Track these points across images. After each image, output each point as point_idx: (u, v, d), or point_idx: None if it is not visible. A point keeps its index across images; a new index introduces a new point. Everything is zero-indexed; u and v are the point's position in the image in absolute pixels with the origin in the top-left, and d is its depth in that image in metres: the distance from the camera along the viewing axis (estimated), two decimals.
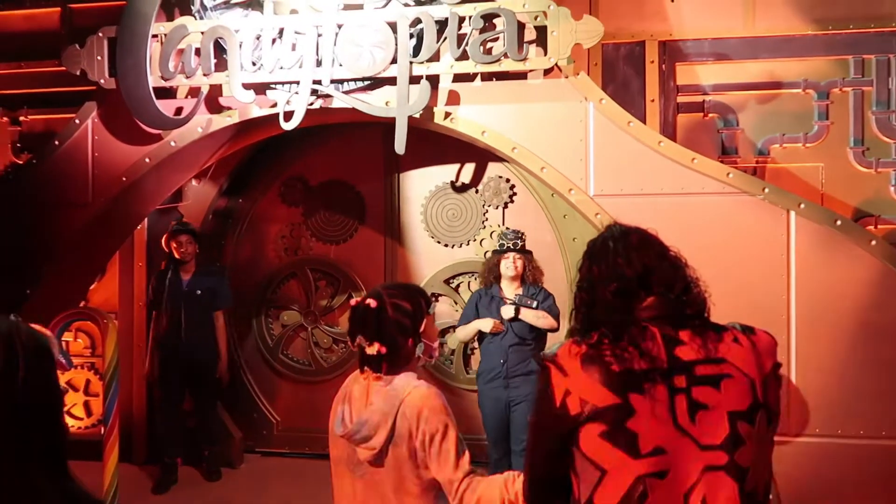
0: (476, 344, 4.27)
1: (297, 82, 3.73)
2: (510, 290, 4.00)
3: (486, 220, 4.96)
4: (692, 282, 1.43)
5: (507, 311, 3.89)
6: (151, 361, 4.67)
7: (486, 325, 3.92)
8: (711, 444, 1.26)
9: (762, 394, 1.31)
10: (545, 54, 3.56)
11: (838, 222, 3.35)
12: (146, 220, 4.77)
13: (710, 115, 4.25)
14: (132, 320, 4.90)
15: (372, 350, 1.83)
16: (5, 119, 4.92)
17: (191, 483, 4.65)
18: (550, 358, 1.39)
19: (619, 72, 4.32)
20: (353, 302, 1.92)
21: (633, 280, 1.39)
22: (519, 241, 4.02)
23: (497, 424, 3.94)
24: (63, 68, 4.11)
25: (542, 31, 3.56)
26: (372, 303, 1.85)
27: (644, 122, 3.88)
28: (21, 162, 4.71)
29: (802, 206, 3.38)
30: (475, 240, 4.98)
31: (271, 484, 4.69)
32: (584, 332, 1.41)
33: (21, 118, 4.91)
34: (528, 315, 3.88)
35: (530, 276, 4.03)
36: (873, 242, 3.32)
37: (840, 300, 3.32)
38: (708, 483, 1.26)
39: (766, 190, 3.40)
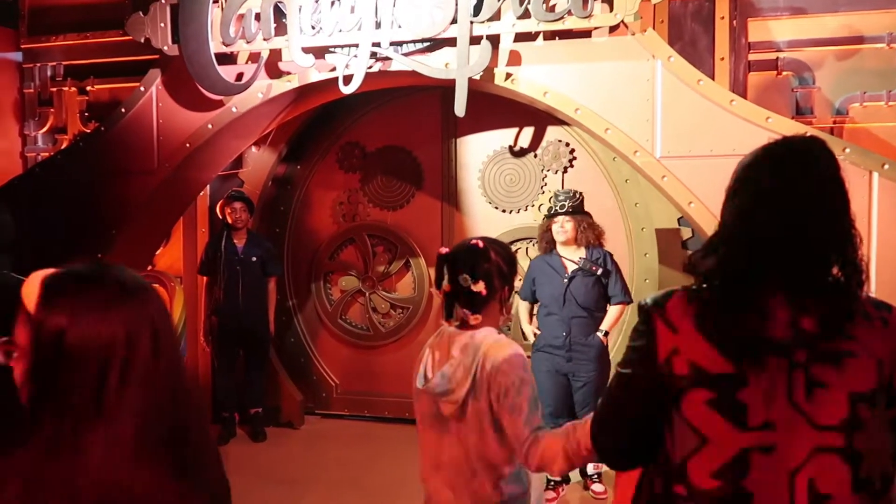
0: (519, 312, 4.20)
1: (356, 45, 3.70)
2: (570, 253, 3.91)
3: (545, 185, 4.87)
4: (851, 246, 1.22)
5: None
6: (209, 324, 4.81)
7: (528, 331, 4.08)
8: (828, 424, 1.16)
9: (889, 376, 1.18)
10: (611, 11, 3.43)
11: None
12: (208, 186, 4.87)
13: (784, 72, 4.04)
14: (195, 284, 5.03)
15: (478, 287, 1.83)
16: (73, 89, 5.05)
17: (251, 441, 4.80)
18: (657, 309, 1.26)
19: (687, 29, 4.13)
20: (441, 250, 1.91)
21: (781, 238, 1.21)
22: (567, 203, 3.89)
23: (558, 395, 3.87)
24: (127, 38, 4.17)
25: None
26: (480, 243, 1.88)
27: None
28: (88, 130, 4.85)
29: (886, 166, 3.19)
30: (533, 205, 4.90)
31: (330, 444, 4.80)
32: (702, 285, 1.27)
33: (88, 88, 5.04)
34: (608, 321, 3.88)
35: (584, 238, 3.90)
36: None
37: None
38: (818, 465, 1.17)
39: (847, 150, 3.22)
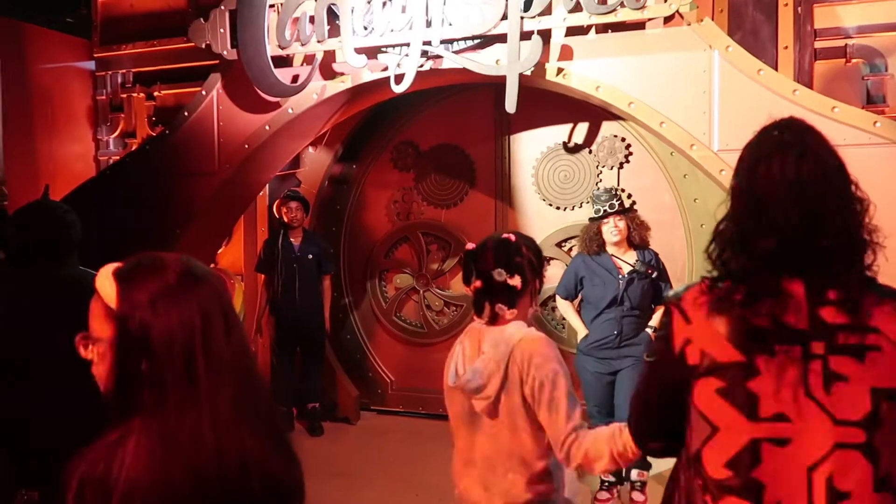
0: (564, 312, 4.12)
1: (408, 44, 3.73)
2: (623, 254, 3.82)
3: (601, 181, 4.79)
4: (866, 232, 1.22)
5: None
6: (267, 321, 4.94)
7: (581, 332, 3.89)
8: (848, 419, 1.12)
9: None
10: (665, 1, 3.34)
11: None
12: (267, 186, 5.00)
13: (854, 60, 3.84)
14: (255, 282, 5.18)
15: (514, 281, 1.83)
16: (142, 95, 5.28)
17: (308, 436, 4.90)
18: (675, 301, 1.28)
19: (748, 18, 3.98)
20: (468, 246, 1.91)
21: (794, 227, 1.19)
22: (616, 202, 3.79)
23: (605, 396, 3.81)
24: (190, 44, 4.33)
25: None
26: (512, 237, 1.88)
27: (776, 71, 3.57)
28: (155, 134, 5.06)
29: None
30: (588, 202, 4.82)
31: (385, 440, 4.86)
32: (719, 276, 1.27)
33: (155, 94, 5.26)
34: (658, 318, 3.76)
35: (637, 237, 3.81)
36: None
37: None
38: (838, 461, 1.13)
39: (878, 124, 3.04)
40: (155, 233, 4.28)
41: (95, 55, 5.31)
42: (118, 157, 5.15)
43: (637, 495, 3.84)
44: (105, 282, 1.05)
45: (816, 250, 1.18)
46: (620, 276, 3.77)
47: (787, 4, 3.89)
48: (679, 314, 1.26)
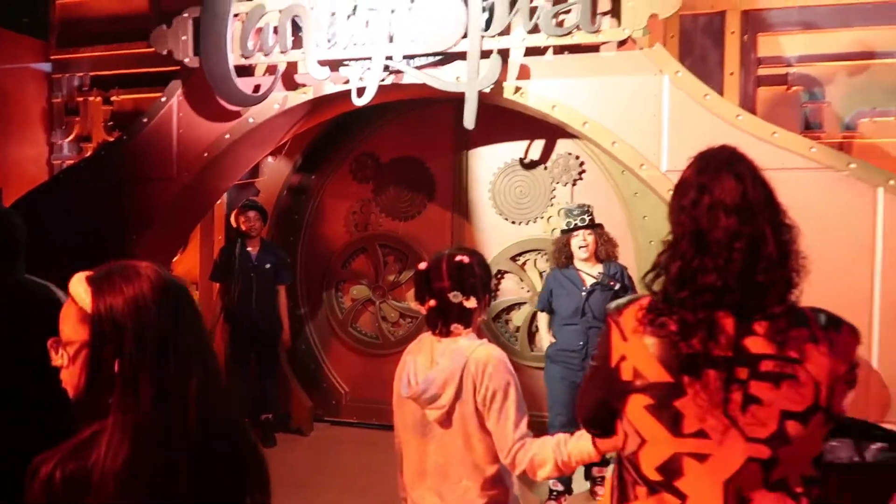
0: (539, 323, 4.26)
1: (370, 58, 3.80)
2: (588, 268, 3.96)
3: (555, 197, 4.92)
4: (791, 259, 1.28)
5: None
6: (222, 329, 4.91)
7: (546, 341, 4.07)
8: (757, 437, 1.23)
9: (826, 398, 1.23)
10: (619, 26, 3.49)
11: None
12: (225, 195, 4.98)
13: (794, 87, 4.06)
14: (211, 290, 5.14)
15: (469, 304, 1.90)
16: (99, 99, 5.22)
17: (262, 447, 4.86)
18: (615, 315, 1.37)
19: (697, 44, 4.18)
20: (421, 266, 1.97)
21: (733, 264, 1.25)
22: (587, 217, 3.95)
23: (569, 399, 3.89)
24: (151, 49, 4.31)
25: (616, 2, 3.48)
26: (465, 258, 1.93)
27: (722, 96, 3.75)
28: (112, 139, 4.99)
29: (892, 182, 3.19)
30: (542, 217, 4.95)
31: (339, 450, 4.85)
32: (658, 299, 1.33)
33: (112, 98, 5.20)
34: None
35: (604, 252, 3.96)
36: None
37: None
38: (747, 472, 1.24)
39: (853, 165, 3.24)
40: (110, 239, 4.23)
41: (52, 57, 5.23)
42: (72, 162, 5.07)
43: (599, 489, 4.03)
44: (79, 287, 1.11)
45: (752, 287, 1.25)
46: (584, 288, 3.91)
47: (733, 32, 4.09)
48: (617, 330, 1.35)
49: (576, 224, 3.94)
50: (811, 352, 1.23)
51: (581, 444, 1.69)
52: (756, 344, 1.24)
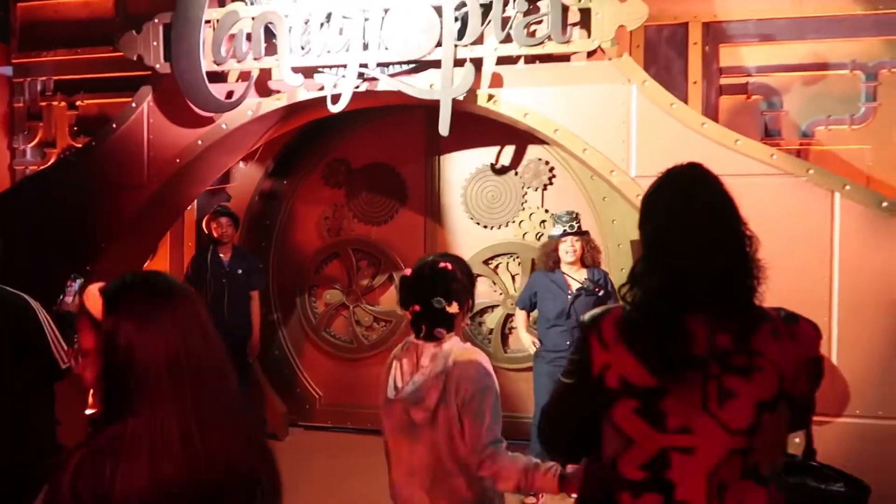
0: (515, 324, 4.37)
1: (344, 66, 3.83)
2: (574, 272, 4.08)
3: (525, 201, 5.02)
4: (752, 267, 1.39)
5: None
6: None
7: (527, 343, 4.19)
8: (738, 428, 1.33)
9: (790, 385, 1.35)
10: (588, 36, 3.59)
11: (884, 204, 3.32)
12: (195, 201, 4.94)
13: (754, 96, 4.23)
14: None
15: (452, 309, 1.96)
16: (63, 104, 5.12)
17: None
18: (593, 326, 1.43)
19: (661, 54, 4.31)
20: (407, 272, 2.02)
21: (700, 275, 1.36)
22: (575, 224, 4.10)
23: None
24: (117, 54, 4.26)
25: (585, 14, 3.59)
26: (448, 265, 1.99)
27: (686, 104, 3.88)
28: (78, 145, 4.91)
29: (847, 187, 3.37)
30: (514, 221, 5.04)
31: (314, 455, 4.86)
32: (633, 306, 1.42)
33: (77, 103, 5.11)
34: None
35: (589, 258, 4.12)
36: None
37: (884, 283, 3.30)
38: (728, 463, 1.34)
39: (811, 171, 3.40)
40: (78, 247, 4.17)
41: (13, 60, 5.12)
42: (36, 167, 4.97)
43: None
44: (93, 299, 1.13)
45: (717, 292, 1.37)
46: (569, 292, 4.05)
47: (696, 43, 4.24)
48: (598, 340, 1.42)
49: (565, 230, 4.07)
50: (774, 344, 1.36)
51: (546, 481, 1.78)
52: (725, 341, 1.35)
